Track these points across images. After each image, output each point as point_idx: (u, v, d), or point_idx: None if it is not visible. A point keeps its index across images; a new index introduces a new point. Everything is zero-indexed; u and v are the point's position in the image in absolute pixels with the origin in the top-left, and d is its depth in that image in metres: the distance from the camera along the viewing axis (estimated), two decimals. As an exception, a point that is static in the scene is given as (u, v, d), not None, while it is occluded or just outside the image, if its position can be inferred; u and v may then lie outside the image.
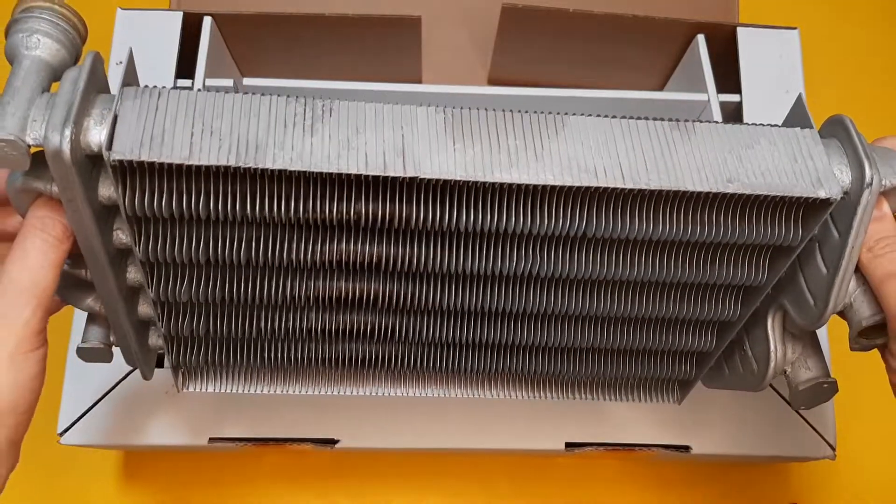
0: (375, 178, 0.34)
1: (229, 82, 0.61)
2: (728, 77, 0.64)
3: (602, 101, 0.64)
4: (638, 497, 0.65)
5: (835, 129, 0.38)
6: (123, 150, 0.32)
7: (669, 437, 0.55)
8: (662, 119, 0.39)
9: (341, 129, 0.35)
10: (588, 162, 0.36)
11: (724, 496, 0.66)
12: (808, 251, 0.39)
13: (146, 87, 0.34)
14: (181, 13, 0.62)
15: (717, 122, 0.38)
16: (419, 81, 0.71)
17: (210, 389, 0.46)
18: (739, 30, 0.64)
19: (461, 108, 0.37)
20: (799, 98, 0.39)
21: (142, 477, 0.65)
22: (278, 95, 0.35)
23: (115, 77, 0.64)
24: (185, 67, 0.61)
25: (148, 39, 0.62)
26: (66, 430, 0.52)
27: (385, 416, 0.54)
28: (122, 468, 0.65)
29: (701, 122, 0.38)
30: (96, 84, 0.34)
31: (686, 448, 0.55)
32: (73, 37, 0.36)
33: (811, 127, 0.38)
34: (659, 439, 0.55)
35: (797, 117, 0.39)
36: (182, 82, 0.61)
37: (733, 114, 0.63)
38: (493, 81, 0.72)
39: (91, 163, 0.33)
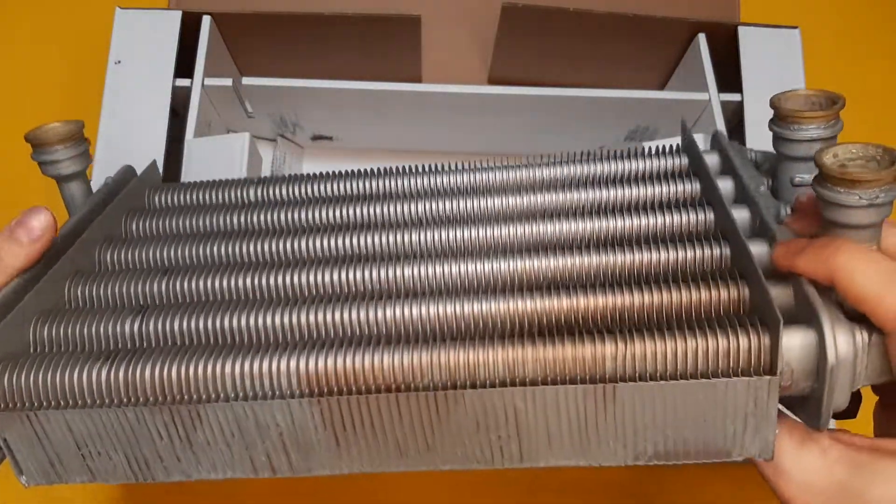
0: None
1: (228, 81, 0.61)
2: (729, 76, 0.64)
3: (602, 101, 0.64)
4: (639, 498, 0.65)
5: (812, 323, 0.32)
6: (35, 478, 0.36)
7: (670, 437, 0.55)
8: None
9: (217, 436, 0.36)
10: None
11: (725, 497, 0.66)
12: None
13: (25, 412, 0.35)
14: (180, 12, 0.62)
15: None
16: (419, 81, 0.70)
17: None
18: (740, 29, 0.64)
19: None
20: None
21: (141, 478, 0.65)
22: (142, 405, 0.35)
23: (112, 75, 0.64)
24: (184, 67, 0.61)
25: (147, 39, 0.62)
26: (64, 431, 0.52)
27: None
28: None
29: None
30: None
31: (687, 449, 0.55)
32: None
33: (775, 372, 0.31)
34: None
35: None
36: (181, 81, 0.60)
37: (735, 114, 0.63)
38: (493, 81, 0.72)
39: None
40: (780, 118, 0.39)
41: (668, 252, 0.37)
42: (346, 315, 0.37)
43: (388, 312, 0.37)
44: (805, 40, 0.64)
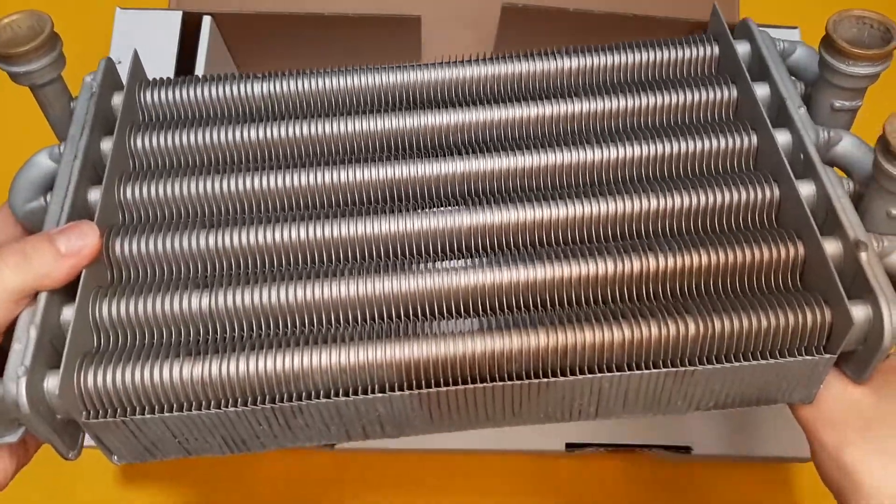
0: None
1: (229, 82, 0.61)
2: (729, 77, 0.64)
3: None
4: (639, 498, 0.65)
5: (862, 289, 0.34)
6: (126, 459, 0.36)
7: (670, 438, 0.55)
8: None
9: (316, 423, 0.35)
10: None
11: (725, 497, 0.66)
12: None
13: (119, 418, 0.33)
14: (180, 12, 0.62)
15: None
16: (419, 81, 0.70)
17: None
18: (740, 29, 0.64)
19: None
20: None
21: (141, 477, 0.65)
22: (244, 408, 0.34)
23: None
24: (185, 67, 0.61)
25: (147, 39, 0.62)
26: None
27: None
28: (121, 468, 0.65)
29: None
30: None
31: (687, 449, 0.55)
32: None
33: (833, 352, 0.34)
34: (660, 440, 0.55)
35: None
36: (181, 82, 0.60)
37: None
38: (493, 81, 0.72)
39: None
40: (832, 48, 0.38)
41: (714, 195, 0.38)
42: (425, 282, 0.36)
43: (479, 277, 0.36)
44: (805, 40, 0.64)
